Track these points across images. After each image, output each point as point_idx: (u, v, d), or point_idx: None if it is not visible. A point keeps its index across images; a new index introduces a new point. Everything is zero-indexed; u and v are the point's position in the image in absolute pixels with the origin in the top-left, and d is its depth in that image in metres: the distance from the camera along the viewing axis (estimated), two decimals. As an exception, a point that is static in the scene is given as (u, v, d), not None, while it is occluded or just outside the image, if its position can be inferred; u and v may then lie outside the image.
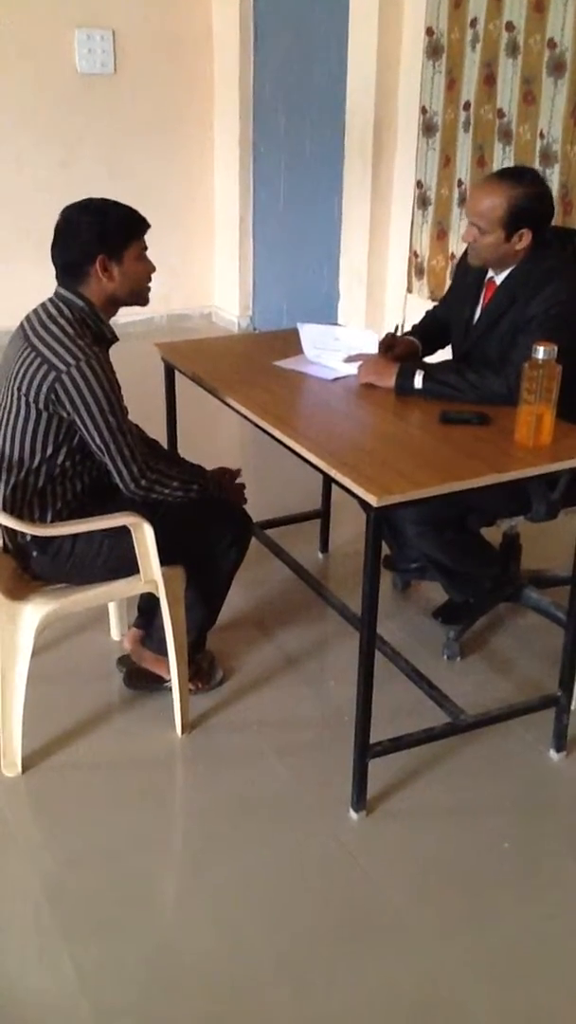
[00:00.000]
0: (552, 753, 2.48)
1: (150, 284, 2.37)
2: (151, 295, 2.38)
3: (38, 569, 2.36)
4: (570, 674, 2.42)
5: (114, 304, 2.33)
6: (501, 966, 1.92)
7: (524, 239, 2.45)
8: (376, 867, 2.14)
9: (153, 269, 2.36)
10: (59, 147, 5.78)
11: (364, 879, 2.11)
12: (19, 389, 2.23)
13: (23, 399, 2.23)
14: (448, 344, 2.86)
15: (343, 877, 2.12)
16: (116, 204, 2.30)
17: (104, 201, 2.30)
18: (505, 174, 2.53)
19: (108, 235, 2.25)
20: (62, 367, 2.17)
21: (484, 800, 2.34)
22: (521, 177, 2.48)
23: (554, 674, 2.47)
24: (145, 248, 2.33)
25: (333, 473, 2.10)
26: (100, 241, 2.24)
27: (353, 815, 2.26)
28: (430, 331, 2.87)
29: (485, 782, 2.39)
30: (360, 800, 2.26)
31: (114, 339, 2.34)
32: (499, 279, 2.58)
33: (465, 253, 2.65)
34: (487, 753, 2.48)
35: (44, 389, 2.19)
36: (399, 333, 2.81)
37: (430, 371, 2.50)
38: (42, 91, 5.64)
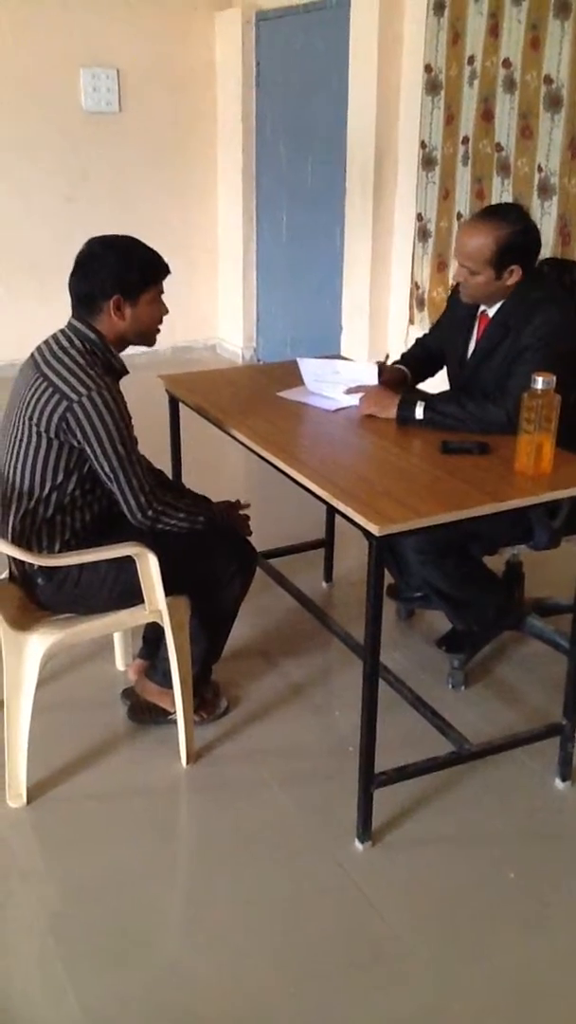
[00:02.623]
0: (557, 782, 2.47)
1: (160, 328, 2.40)
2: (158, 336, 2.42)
3: (44, 598, 2.38)
4: (574, 702, 2.41)
5: (123, 342, 2.36)
6: (506, 998, 1.90)
7: (514, 275, 2.49)
8: (381, 897, 2.13)
9: (166, 312, 2.39)
10: (65, 183, 5.88)
11: (369, 909, 2.10)
12: (30, 418, 2.26)
13: (34, 428, 2.26)
14: (437, 372, 2.89)
15: (348, 907, 2.11)
16: (142, 247, 2.33)
17: (131, 241, 2.33)
18: (489, 213, 2.55)
19: (127, 277, 2.28)
20: (73, 396, 2.20)
21: (489, 829, 2.33)
22: (506, 215, 2.50)
23: (559, 702, 2.47)
24: (161, 292, 2.37)
25: (336, 503, 2.12)
26: (118, 281, 2.27)
27: (358, 845, 2.26)
28: (419, 360, 2.90)
29: (490, 811, 2.39)
30: (365, 830, 2.25)
31: (124, 371, 2.37)
32: (491, 312, 2.61)
33: (458, 284, 2.68)
34: (492, 782, 2.47)
35: (55, 418, 2.22)
36: (389, 362, 2.84)
37: (431, 402, 2.53)
38: (48, 129, 5.74)
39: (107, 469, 2.24)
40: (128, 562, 2.29)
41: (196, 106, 6.12)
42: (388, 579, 2.80)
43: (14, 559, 2.36)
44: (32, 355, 2.34)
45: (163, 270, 2.35)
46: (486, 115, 4.18)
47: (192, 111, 6.12)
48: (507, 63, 4.01)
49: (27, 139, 5.70)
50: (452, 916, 2.09)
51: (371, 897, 2.13)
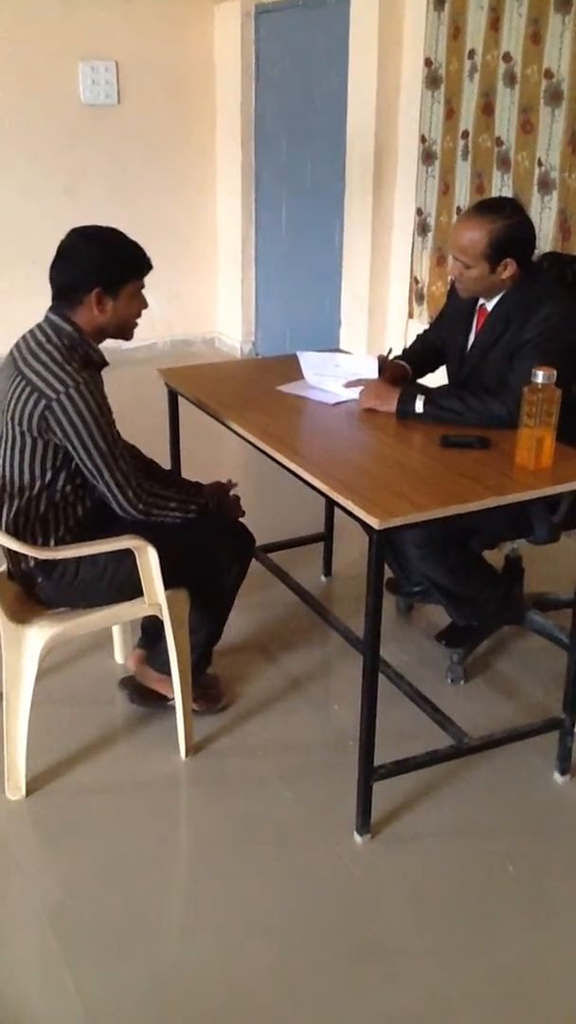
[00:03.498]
0: (556, 776, 2.47)
1: (138, 322, 2.38)
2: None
3: (43, 595, 2.37)
4: (574, 697, 2.42)
5: (101, 335, 2.34)
6: (506, 991, 1.91)
7: (509, 268, 2.48)
8: (381, 890, 2.13)
9: (145, 306, 2.37)
10: (64, 176, 5.86)
11: (368, 902, 2.11)
12: (12, 418, 2.24)
13: (17, 428, 2.24)
14: (438, 367, 2.89)
15: (347, 900, 2.11)
16: (124, 239, 2.31)
17: (113, 233, 2.30)
18: (483, 207, 2.54)
19: (109, 270, 2.26)
20: (52, 395, 2.17)
21: (488, 823, 2.34)
22: (500, 209, 2.49)
23: (558, 697, 2.47)
24: (142, 287, 2.35)
25: (335, 496, 2.12)
26: (99, 274, 2.25)
27: (357, 838, 2.26)
28: (421, 354, 2.90)
29: (489, 805, 2.39)
30: (364, 823, 2.25)
31: (103, 363, 2.35)
32: (490, 306, 2.60)
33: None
34: (491, 776, 2.47)
35: (36, 417, 2.20)
36: (390, 356, 2.83)
37: (431, 395, 2.52)
38: (47, 122, 5.72)
39: (90, 466, 2.22)
40: (127, 555, 2.28)
41: (195, 99, 6.11)
42: (387, 573, 2.80)
43: (11, 558, 2.35)
44: (11, 352, 2.31)
45: (146, 265, 2.33)
46: (486, 109, 4.17)
47: (191, 104, 6.11)
48: (508, 57, 4.00)
49: (25, 132, 5.69)
50: (451, 909, 2.09)
51: (370, 890, 2.13)
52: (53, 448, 2.24)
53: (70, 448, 2.22)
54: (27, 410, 2.21)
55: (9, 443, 2.27)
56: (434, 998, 1.89)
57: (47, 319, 2.31)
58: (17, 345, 2.31)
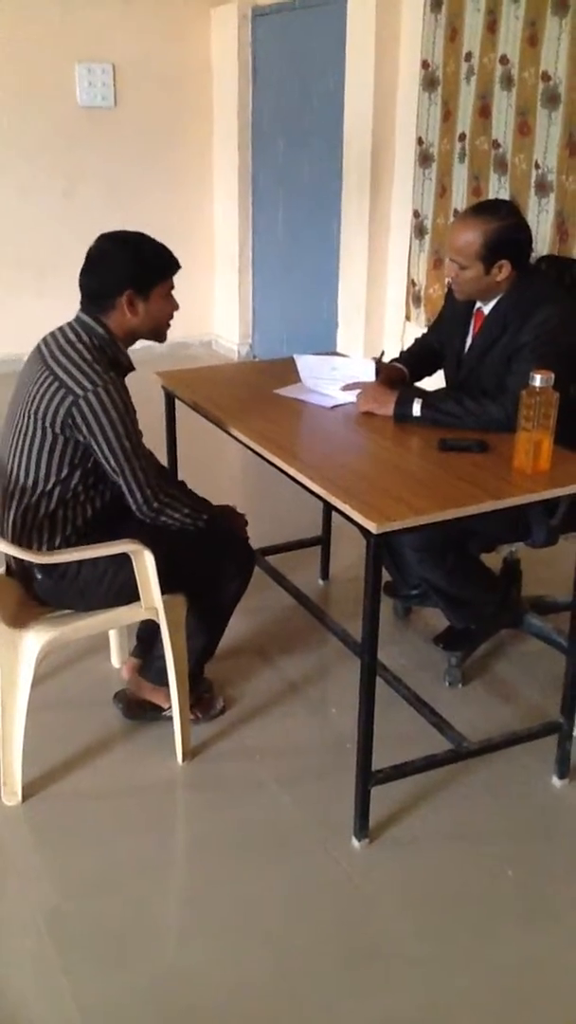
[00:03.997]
0: (555, 780, 2.47)
1: (171, 323, 2.41)
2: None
3: (41, 593, 2.37)
4: (572, 700, 2.41)
5: (133, 337, 2.36)
6: (505, 996, 1.90)
7: (504, 270, 2.48)
8: (379, 895, 2.13)
9: (176, 308, 2.40)
10: (61, 178, 5.86)
11: (367, 907, 2.10)
12: (35, 413, 2.25)
13: (39, 423, 2.25)
14: (436, 371, 2.89)
15: (346, 905, 2.10)
16: (151, 241, 2.33)
17: (141, 236, 2.33)
18: (479, 209, 2.56)
19: (140, 272, 2.28)
20: (79, 392, 2.19)
21: (487, 827, 2.33)
22: (495, 210, 2.50)
23: (556, 700, 2.47)
24: (172, 288, 2.37)
25: (333, 500, 2.11)
26: (131, 276, 2.27)
27: (355, 843, 2.25)
28: (418, 357, 2.90)
29: (488, 809, 2.38)
30: (362, 828, 2.25)
31: (130, 367, 2.37)
32: (487, 309, 2.60)
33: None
34: (490, 780, 2.47)
35: (61, 413, 2.21)
36: (384, 359, 2.83)
37: (428, 399, 2.52)
38: (44, 124, 5.72)
39: (113, 464, 2.24)
40: (127, 559, 2.28)
41: (192, 101, 6.11)
42: (385, 576, 2.80)
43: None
44: (38, 347, 2.33)
45: (174, 264, 2.36)
46: (483, 112, 4.17)
47: (188, 106, 6.11)
48: (505, 60, 4.00)
49: (22, 134, 5.68)
50: (450, 914, 2.08)
51: (368, 895, 2.13)
52: (73, 445, 2.25)
53: (93, 445, 2.22)
54: (53, 405, 2.22)
55: (29, 438, 2.27)
56: (432, 1003, 1.88)
57: (78, 319, 2.32)
58: (45, 341, 2.33)
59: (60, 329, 2.33)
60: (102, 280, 2.28)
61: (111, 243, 2.31)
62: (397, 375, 2.78)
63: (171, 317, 2.40)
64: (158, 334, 2.40)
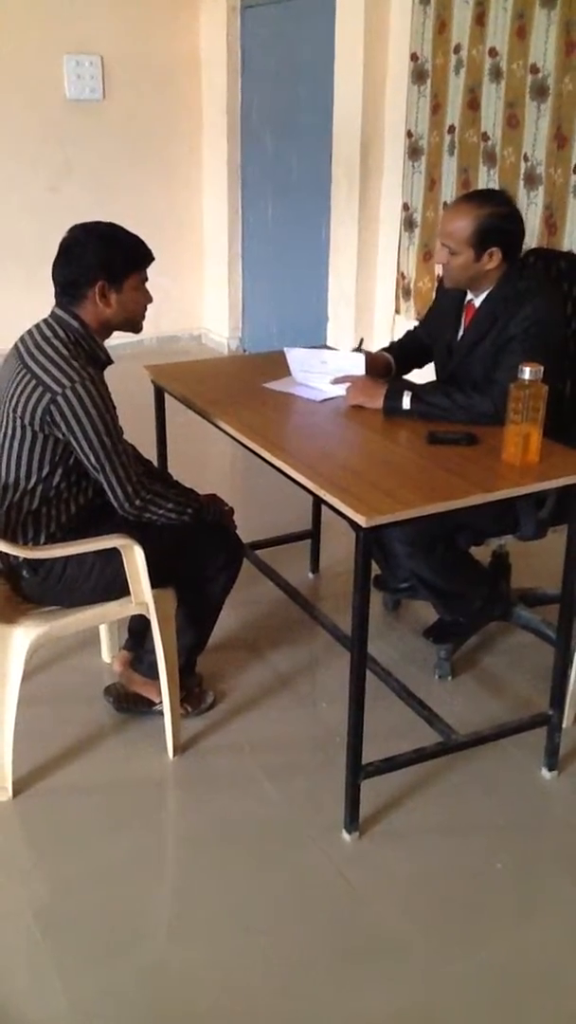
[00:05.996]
0: (544, 772, 2.48)
1: (145, 314, 2.39)
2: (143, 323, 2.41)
3: (28, 590, 2.36)
4: (561, 692, 2.42)
5: (107, 329, 2.35)
6: (495, 988, 1.91)
7: (494, 258, 2.48)
8: (369, 889, 2.13)
9: (150, 300, 2.38)
10: (48, 172, 5.82)
11: (357, 901, 2.10)
12: (14, 411, 2.24)
13: (19, 421, 2.24)
14: (425, 364, 2.89)
15: (336, 899, 2.11)
16: (125, 232, 2.32)
17: (113, 227, 2.32)
18: (474, 196, 2.58)
19: (112, 262, 2.27)
20: (57, 389, 2.18)
21: (476, 820, 2.34)
22: (489, 198, 2.53)
23: (545, 692, 2.47)
24: (145, 279, 2.36)
25: (322, 494, 2.11)
26: (103, 267, 2.26)
27: (346, 836, 2.25)
28: (408, 350, 2.90)
29: (477, 802, 2.39)
30: (353, 821, 2.25)
31: (108, 361, 2.36)
32: (478, 301, 2.60)
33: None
34: (479, 772, 2.47)
35: (39, 411, 2.20)
36: (361, 347, 2.83)
37: (418, 392, 2.52)
38: (31, 117, 5.69)
39: (93, 460, 2.23)
40: (114, 554, 2.27)
41: (181, 94, 6.08)
42: (375, 570, 2.80)
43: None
44: (16, 346, 2.32)
45: (147, 255, 2.34)
46: (472, 104, 4.16)
47: (177, 99, 6.08)
48: (493, 52, 4.00)
49: (9, 127, 5.65)
50: (440, 906, 2.09)
51: (359, 888, 2.13)
52: (53, 442, 2.24)
53: (73, 442, 2.22)
54: (31, 403, 2.20)
55: (9, 436, 2.27)
56: (423, 996, 1.89)
57: (52, 314, 2.31)
58: (22, 339, 2.32)
59: (36, 326, 2.32)
60: (75, 270, 2.26)
61: (83, 233, 2.29)
62: (383, 363, 2.77)
63: (145, 308, 2.38)
64: (133, 325, 2.38)
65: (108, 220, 2.36)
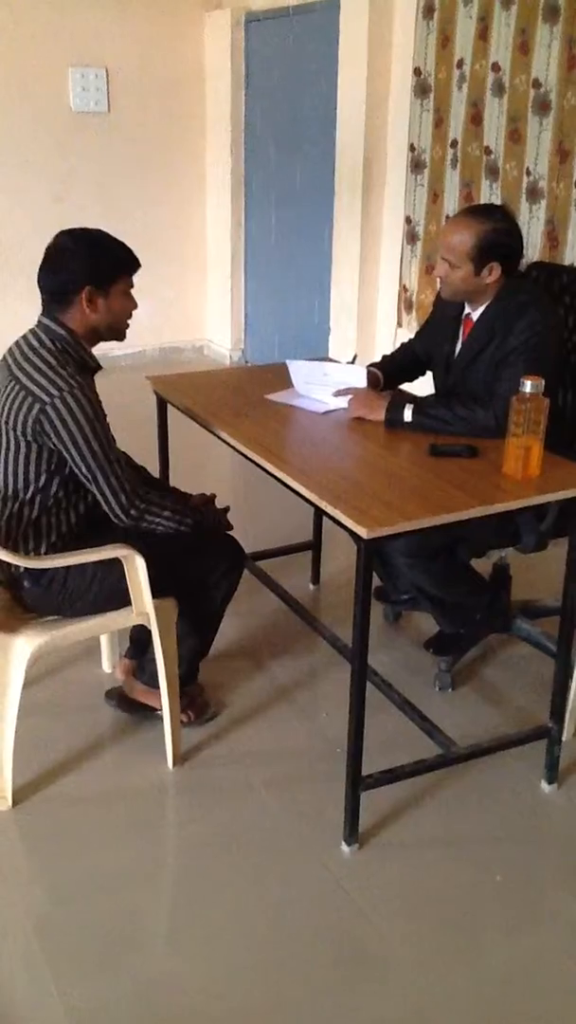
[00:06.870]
0: (544, 784, 2.47)
1: (129, 321, 2.39)
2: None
3: (30, 600, 2.36)
4: (561, 705, 2.42)
5: (95, 335, 2.34)
6: (492, 1000, 1.90)
7: (493, 273, 2.50)
8: (368, 901, 2.13)
9: (135, 307, 2.38)
10: (53, 183, 5.85)
11: (356, 913, 2.10)
12: (6, 422, 2.24)
13: (11, 432, 2.24)
14: (416, 378, 2.90)
15: (335, 911, 2.10)
16: (110, 238, 2.32)
17: (99, 233, 2.32)
18: (474, 211, 2.60)
19: (98, 268, 2.26)
20: (46, 399, 2.18)
21: (476, 832, 2.34)
22: (490, 214, 2.54)
23: (545, 705, 2.47)
24: (131, 286, 2.36)
25: (324, 505, 2.12)
26: (89, 273, 2.25)
27: (345, 848, 2.25)
28: (399, 363, 2.90)
29: (477, 814, 2.39)
30: (352, 833, 2.25)
31: (97, 367, 2.35)
32: (476, 315, 2.62)
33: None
34: (479, 785, 2.47)
35: (30, 421, 2.20)
36: (355, 363, 2.83)
37: (419, 405, 2.53)
38: (37, 128, 5.72)
39: (85, 470, 2.22)
40: (115, 564, 2.28)
41: (185, 106, 6.11)
42: (376, 581, 2.81)
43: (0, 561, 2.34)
44: (4, 357, 2.32)
45: (134, 261, 2.34)
46: (475, 119, 4.19)
47: (181, 111, 6.11)
48: (496, 67, 4.02)
49: (15, 139, 5.68)
50: (439, 919, 2.09)
51: (358, 900, 2.13)
52: (47, 452, 2.24)
53: (64, 452, 2.22)
54: (21, 414, 2.21)
55: (3, 447, 2.27)
56: (421, 1008, 1.88)
57: (39, 323, 2.31)
58: (10, 350, 2.31)
59: (23, 336, 2.31)
60: (61, 277, 2.26)
61: (70, 239, 2.29)
62: (372, 379, 2.78)
63: (130, 315, 2.37)
64: (117, 332, 2.36)
65: (111, 231, 2.37)
